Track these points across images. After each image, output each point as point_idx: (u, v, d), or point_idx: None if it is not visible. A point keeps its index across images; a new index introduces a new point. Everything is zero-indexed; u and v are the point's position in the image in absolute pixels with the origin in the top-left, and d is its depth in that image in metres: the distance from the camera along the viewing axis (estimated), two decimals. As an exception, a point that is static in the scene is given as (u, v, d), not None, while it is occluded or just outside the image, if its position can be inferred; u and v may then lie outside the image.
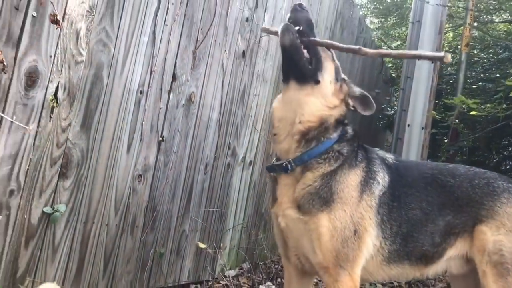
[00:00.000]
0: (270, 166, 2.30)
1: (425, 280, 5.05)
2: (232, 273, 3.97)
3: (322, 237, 2.10)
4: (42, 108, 2.16)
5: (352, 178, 2.21)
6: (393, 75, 9.71)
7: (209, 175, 3.53)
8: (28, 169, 2.13)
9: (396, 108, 7.70)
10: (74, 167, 2.38)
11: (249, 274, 4.14)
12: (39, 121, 2.16)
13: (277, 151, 2.30)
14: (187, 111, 3.19)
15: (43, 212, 2.24)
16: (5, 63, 1.83)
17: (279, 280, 4.18)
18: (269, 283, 4.05)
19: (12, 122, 2.03)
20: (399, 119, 6.66)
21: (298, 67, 2.22)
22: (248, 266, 4.30)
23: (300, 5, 2.28)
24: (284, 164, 2.21)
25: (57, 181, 2.30)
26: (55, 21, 2.05)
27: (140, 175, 2.83)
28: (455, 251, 2.41)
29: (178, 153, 3.16)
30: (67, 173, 2.35)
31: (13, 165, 2.06)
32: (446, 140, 7.23)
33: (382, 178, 2.32)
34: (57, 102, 2.24)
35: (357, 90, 2.42)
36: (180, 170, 3.21)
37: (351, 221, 2.14)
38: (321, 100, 2.25)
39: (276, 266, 4.48)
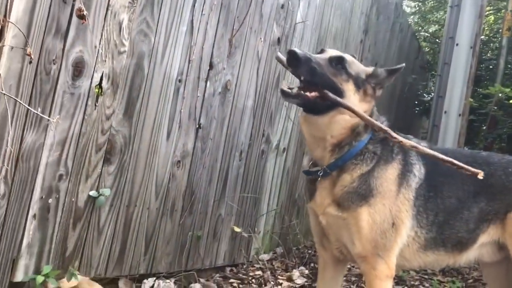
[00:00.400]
0: (307, 171, 2.34)
1: (460, 269, 5.02)
2: (266, 257, 4.06)
3: (362, 230, 2.17)
4: (88, 96, 2.27)
5: (389, 172, 2.25)
6: (430, 60, 9.51)
7: (244, 161, 3.61)
8: (75, 154, 2.25)
9: (432, 94, 7.57)
10: (117, 153, 2.49)
11: (282, 259, 4.22)
12: (85, 109, 2.27)
13: (313, 157, 2.34)
14: (223, 99, 3.26)
15: (89, 195, 2.37)
16: (32, 56, 1.92)
17: (312, 265, 4.24)
18: (302, 267, 4.12)
19: (60, 111, 2.14)
20: (435, 105, 6.55)
21: (319, 110, 2.21)
22: (282, 250, 4.37)
23: (294, 57, 2.11)
24: (319, 171, 2.25)
25: (102, 166, 2.41)
26: (81, 16, 2.11)
27: (179, 161, 2.93)
28: (487, 237, 2.43)
29: (215, 140, 3.25)
30: (111, 159, 2.46)
31: (61, 151, 2.19)
32: (484, 128, 7.08)
33: (418, 170, 2.34)
34: (101, 91, 2.34)
35: (381, 73, 2.33)
36: (217, 156, 3.30)
37: (390, 214, 2.20)
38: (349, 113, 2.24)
39: (309, 251, 4.54)
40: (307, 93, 2.10)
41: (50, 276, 2.16)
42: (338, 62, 2.21)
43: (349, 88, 2.19)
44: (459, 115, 6.12)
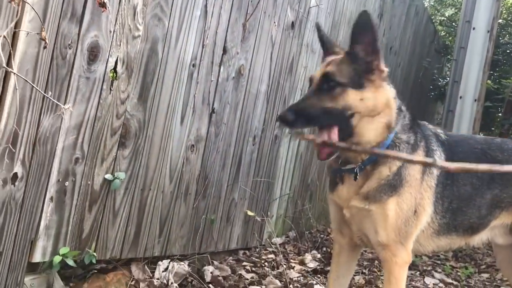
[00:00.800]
0: (337, 170, 2.27)
1: (473, 254, 5.01)
2: (279, 240, 4.09)
3: (389, 220, 2.18)
4: (103, 81, 2.29)
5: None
6: (446, 44, 9.37)
7: (257, 146, 3.62)
8: (91, 138, 2.28)
9: (448, 79, 7.48)
10: (132, 137, 2.51)
11: (295, 242, 4.25)
12: (101, 93, 2.29)
13: (346, 156, 2.25)
14: (237, 84, 3.26)
15: (104, 179, 2.40)
16: (47, 40, 1.93)
17: (324, 249, 4.27)
18: (314, 251, 4.15)
19: (76, 95, 2.17)
20: (451, 90, 6.48)
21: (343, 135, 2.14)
22: (294, 234, 4.41)
23: (284, 120, 2.01)
24: (355, 168, 2.19)
25: (117, 150, 2.44)
26: (102, 4, 2.11)
27: (193, 145, 2.95)
28: (499, 221, 2.46)
29: (228, 125, 3.26)
30: (126, 143, 2.49)
31: (77, 135, 2.22)
32: (500, 114, 6.99)
33: (439, 157, 2.33)
34: (116, 76, 2.36)
35: (358, 46, 2.12)
36: (230, 141, 3.31)
37: (414, 203, 2.21)
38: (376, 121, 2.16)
39: (322, 235, 4.57)
40: (319, 144, 2.05)
41: (68, 257, 2.21)
42: (326, 82, 2.07)
43: (350, 98, 2.03)
44: (475, 100, 6.06)
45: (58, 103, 2.05)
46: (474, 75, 6.05)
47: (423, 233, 2.31)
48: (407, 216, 2.20)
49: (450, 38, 9.32)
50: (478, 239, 2.51)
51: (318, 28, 2.44)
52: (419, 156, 2.26)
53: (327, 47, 2.39)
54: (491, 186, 2.41)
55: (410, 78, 7.42)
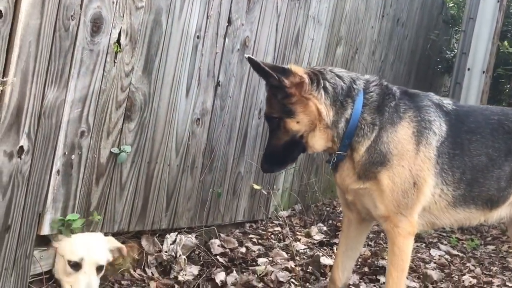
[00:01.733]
0: (328, 160, 2.42)
1: (479, 227, 5.02)
2: (284, 213, 4.11)
3: (383, 194, 2.21)
4: (107, 53, 2.26)
5: (401, 133, 2.24)
6: (454, 15, 9.20)
7: (262, 120, 3.59)
8: (96, 111, 2.26)
9: (456, 51, 7.37)
10: (137, 110, 2.50)
11: (301, 215, 4.28)
12: (105, 66, 2.26)
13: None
14: (242, 56, 3.22)
15: (110, 152, 2.40)
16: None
17: (330, 222, 4.29)
18: (320, 224, 4.17)
19: (80, 67, 2.14)
20: (458, 62, 6.39)
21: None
22: (300, 208, 4.42)
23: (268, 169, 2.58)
24: (332, 159, 2.35)
25: (123, 123, 2.43)
26: None
27: (199, 119, 2.94)
28: None
29: (234, 98, 3.23)
30: (131, 116, 2.47)
31: (82, 108, 2.20)
32: (508, 85, 6.90)
33: (438, 128, 2.30)
34: (120, 48, 2.33)
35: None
36: (236, 114, 3.29)
37: (410, 174, 2.21)
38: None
39: (328, 208, 4.59)
40: None
41: (76, 224, 2.22)
42: (271, 122, 2.40)
43: (290, 126, 2.28)
44: (483, 72, 5.98)
45: None
46: (483, 46, 5.95)
47: (436, 205, 2.30)
48: (404, 188, 2.20)
49: (458, 9, 9.15)
50: (497, 215, 2.47)
51: (250, 60, 2.36)
52: (406, 129, 2.24)
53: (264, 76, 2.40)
54: (510, 158, 2.36)
55: (417, 51, 7.31)
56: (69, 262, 2.16)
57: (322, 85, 2.27)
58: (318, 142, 2.30)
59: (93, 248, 2.21)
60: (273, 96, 2.31)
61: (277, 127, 2.30)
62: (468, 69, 6.08)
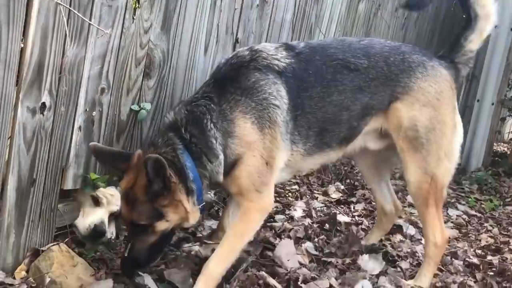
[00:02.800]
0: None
1: (498, 187, 5.01)
2: (302, 172, 4.13)
3: (240, 180, 2.17)
4: (125, 9, 2.24)
5: (241, 132, 2.14)
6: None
7: (282, 77, 3.56)
8: (115, 68, 2.27)
9: None
10: (156, 67, 2.50)
11: (318, 174, 4.29)
12: (123, 22, 2.25)
13: None
14: (261, 12, 3.16)
15: (131, 109, 2.42)
16: None
17: (348, 181, 4.31)
18: (338, 183, 4.20)
19: (99, 24, 2.14)
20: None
21: None
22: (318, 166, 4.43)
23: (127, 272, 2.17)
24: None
25: (142, 80, 2.44)
26: None
27: (217, 76, 2.92)
28: (369, 127, 2.45)
29: (253, 55, 3.19)
30: (151, 73, 2.48)
31: (102, 65, 2.21)
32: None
33: (277, 97, 2.19)
34: (138, 4, 2.30)
35: None
36: (254, 72, 3.26)
37: (262, 159, 2.17)
38: None
39: (345, 168, 4.59)
40: None
41: (101, 181, 2.28)
42: (135, 227, 2.09)
43: (162, 228, 2.09)
44: (511, 29, 5.76)
45: (100, 28, 2.04)
46: (511, 3, 5.72)
47: (292, 161, 2.31)
48: (258, 171, 2.17)
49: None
50: (352, 147, 2.50)
51: (93, 149, 2.13)
52: (242, 121, 2.13)
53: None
54: (359, 96, 2.35)
55: (442, 8, 7.06)
56: (92, 196, 2.33)
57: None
58: (185, 220, 2.11)
59: (113, 192, 2.39)
60: (144, 201, 2.01)
61: (144, 232, 2.06)
62: (496, 26, 5.87)
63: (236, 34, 2.99)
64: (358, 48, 2.42)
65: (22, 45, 1.87)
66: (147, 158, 1.91)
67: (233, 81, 2.19)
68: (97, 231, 2.31)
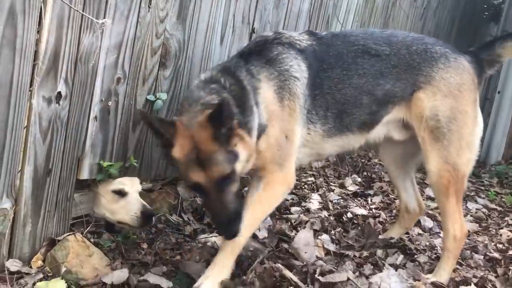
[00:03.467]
0: None
1: None
2: (319, 164, 4.10)
3: (261, 154, 2.14)
4: (141, -2, 2.22)
5: (265, 96, 2.15)
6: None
7: (298, 68, 3.51)
8: (131, 58, 2.25)
9: (504, -3, 6.94)
10: (172, 57, 2.47)
11: (335, 166, 4.25)
12: (139, 11, 2.23)
13: None
14: (278, 2, 3.12)
15: (146, 99, 2.40)
16: None
17: (365, 173, 4.26)
18: (355, 175, 4.15)
19: (114, 13, 2.12)
20: (507, 9, 6.03)
21: None
22: (335, 159, 4.39)
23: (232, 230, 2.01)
24: None
25: (158, 70, 2.42)
26: None
27: (233, 67, 2.89)
28: (392, 116, 2.44)
29: (269, 45, 3.15)
30: (166, 63, 2.46)
31: (118, 54, 2.19)
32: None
33: (298, 71, 2.22)
34: (154, -8, 2.28)
35: None
36: (271, 62, 3.22)
37: (281, 132, 2.17)
38: None
39: (363, 160, 4.54)
40: None
41: (114, 168, 2.27)
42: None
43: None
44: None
45: (93, 18, 2.01)
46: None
47: (310, 141, 2.33)
48: (278, 143, 2.18)
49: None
50: (376, 135, 2.49)
51: (144, 116, 2.06)
52: (266, 90, 2.15)
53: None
54: (381, 82, 2.35)
55: (462, -4, 6.93)
56: (114, 191, 2.33)
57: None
58: (251, 157, 2.07)
59: (133, 180, 2.42)
60: (218, 150, 1.92)
61: (229, 183, 1.96)
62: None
63: (253, 24, 2.96)
64: (380, 37, 2.44)
65: (37, 36, 1.86)
66: (221, 100, 1.89)
67: (258, 53, 2.25)
68: (146, 216, 2.31)
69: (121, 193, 2.34)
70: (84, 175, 2.22)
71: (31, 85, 1.86)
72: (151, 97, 2.41)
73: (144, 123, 2.28)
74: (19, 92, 1.83)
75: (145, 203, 2.37)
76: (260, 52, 2.25)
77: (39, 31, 1.85)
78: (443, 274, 2.40)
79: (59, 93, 1.97)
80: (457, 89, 2.39)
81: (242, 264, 2.27)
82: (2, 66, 1.75)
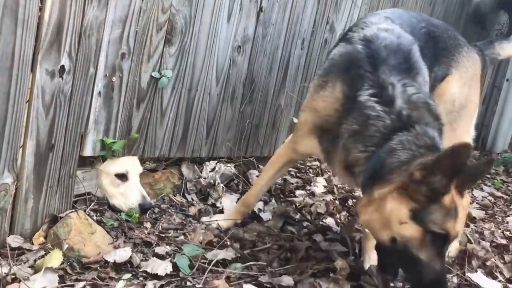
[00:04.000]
0: None
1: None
2: (324, 149, 4.04)
3: None
4: (147, -29, 2.16)
5: None
6: None
7: (305, 50, 3.45)
8: (136, 33, 2.20)
9: (515, -16, 6.80)
10: (178, 34, 2.42)
11: (340, 152, 4.20)
12: (145, -15, 2.17)
13: None
14: (287, -19, 3.04)
15: (151, 76, 2.35)
16: None
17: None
18: (360, 161, 4.10)
19: (120, -15, 2.06)
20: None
21: None
22: (340, 144, 4.34)
23: None
24: None
25: (163, 47, 2.36)
26: None
27: (240, 46, 2.83)
28: None
29: (276, 26, 3.09)
30: (172, 40, 2.40)
31: (123, 29, 2.14)
32: None
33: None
34: (160, -34, 2.22)
35: None
36: (278, 43, 3.16)
37: None
38: None
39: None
40: None
41: (117, 146, 2.24)
42: None
43: None
44: (543, 5, 5.50)
45: None
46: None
47: None
48: None
49: None
50: None
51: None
52: None
53: None
54: (435, 63, 2.37)
55: (472, -17, 6.81)
56: (116, 174, 2.31)
57: None
58: None
59: (134, 161, 2.40)
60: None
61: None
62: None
63: (261, 3, 2.89)
64: (426, 18, 2.51)
65: (40, 6, 1.81)
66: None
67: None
68: (143, 209, 2.32)
69: (122, 177, 2.32)
70: (87, 152, 2.18)
71: (33, 57, 1.82)
72: (156, 74, 2.36)
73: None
74: (21, 64, 1.78)
75: (145, 193, 2.35)
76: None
77: (42, 1, 1.80)
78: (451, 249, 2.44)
79: (63, 66, 1.92)
80: (471, 78, 2.47)
81: (244, 246, 2.25)
82: (3, 37, 1.70)
